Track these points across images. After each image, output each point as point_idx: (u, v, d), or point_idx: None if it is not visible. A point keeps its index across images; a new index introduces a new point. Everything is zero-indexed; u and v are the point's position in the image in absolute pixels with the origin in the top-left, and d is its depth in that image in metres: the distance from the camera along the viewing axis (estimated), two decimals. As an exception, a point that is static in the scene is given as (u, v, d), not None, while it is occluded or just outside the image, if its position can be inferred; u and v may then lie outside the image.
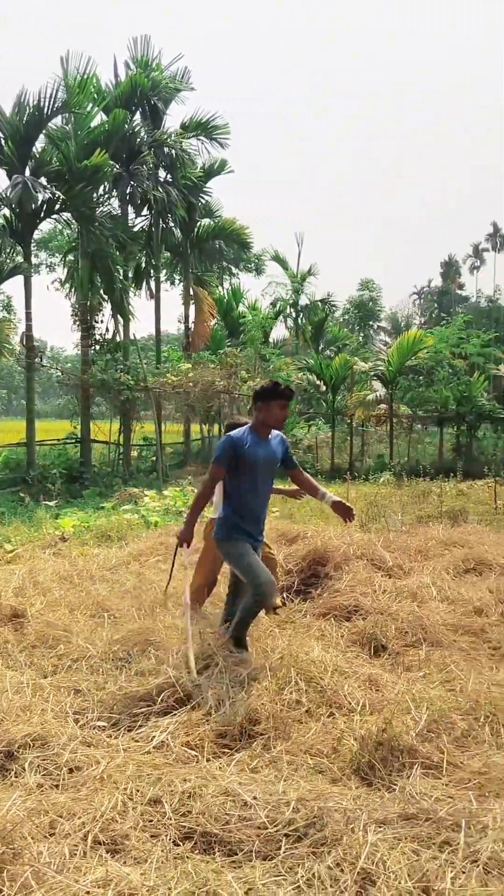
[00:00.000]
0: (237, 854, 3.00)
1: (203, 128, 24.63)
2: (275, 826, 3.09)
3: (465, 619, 6.13)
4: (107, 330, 21.92)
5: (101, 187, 21.29)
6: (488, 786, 3.46)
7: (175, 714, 4.17)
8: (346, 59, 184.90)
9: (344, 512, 5.22)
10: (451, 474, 16.87)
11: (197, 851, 3.03)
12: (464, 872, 2.80)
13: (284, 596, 6.77)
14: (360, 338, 46.31)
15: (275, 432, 5.20)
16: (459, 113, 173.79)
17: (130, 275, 23.55)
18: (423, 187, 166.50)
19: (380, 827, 3.05)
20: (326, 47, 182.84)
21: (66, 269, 23.02)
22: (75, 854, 2.93)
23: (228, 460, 4.99)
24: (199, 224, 26.74)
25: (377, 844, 2.91)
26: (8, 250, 19.83)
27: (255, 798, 3.26)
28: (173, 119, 72.32)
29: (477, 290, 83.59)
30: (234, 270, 32.30)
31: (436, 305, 79.11)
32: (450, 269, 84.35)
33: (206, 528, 6.25)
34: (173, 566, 6.12)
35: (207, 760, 3.75)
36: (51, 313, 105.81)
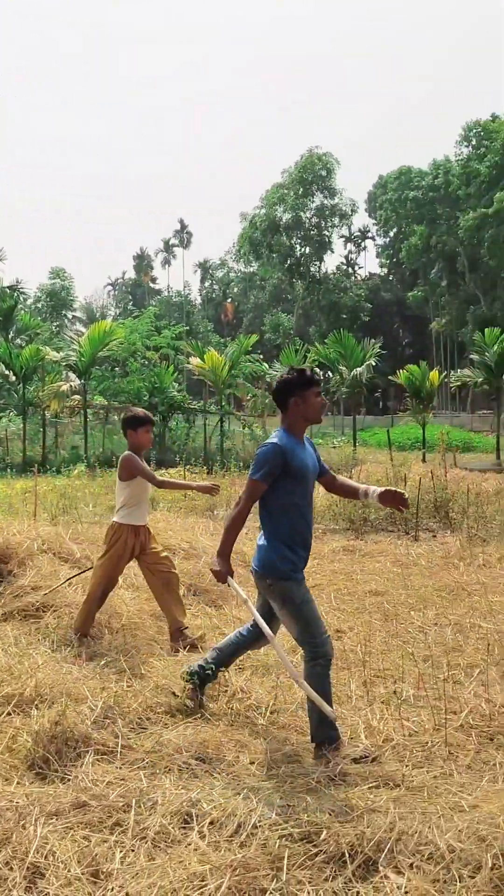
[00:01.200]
0: None
1: None
2: None
3: (150, 605, 6.33)
4: None
5: None
6: (160, 763, 3.64)
7: None
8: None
9: (394, 500, 4.20)
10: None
11: None
12: (133, 850, 2.93)
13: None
14: (54, 327, 45.55)
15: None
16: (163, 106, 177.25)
17: None
18: (118, 179, 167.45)
19: (51, 819, 3.08)
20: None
21: None
22: None
23: (275, 475, 4.00)
24: None
25: (48, 837, 2.94)
26: None
27: None
28: None
29: (168, 286, 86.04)
30: None
31: (130, 297, 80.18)
32: (142, 262, 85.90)
33: (110, 531, 5.77)
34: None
35: None
36: None
